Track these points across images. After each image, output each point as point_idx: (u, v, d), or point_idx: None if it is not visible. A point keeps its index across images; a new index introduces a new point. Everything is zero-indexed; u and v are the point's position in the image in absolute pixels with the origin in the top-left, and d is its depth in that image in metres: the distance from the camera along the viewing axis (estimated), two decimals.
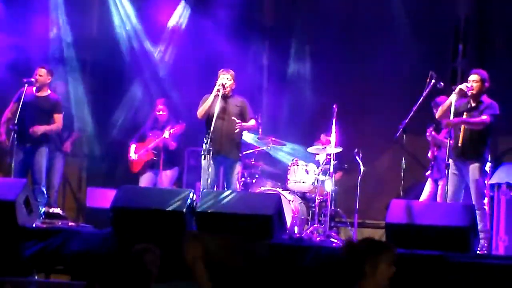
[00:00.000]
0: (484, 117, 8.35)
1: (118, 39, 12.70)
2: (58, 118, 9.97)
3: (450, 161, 8.21)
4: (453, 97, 8.32)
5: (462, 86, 8.39)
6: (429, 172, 9.83)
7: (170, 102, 11.28)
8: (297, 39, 12.62)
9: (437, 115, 8.63)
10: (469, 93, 8.36)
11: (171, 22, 12.73)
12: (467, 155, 8.36)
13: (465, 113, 8.37)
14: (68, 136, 10.83)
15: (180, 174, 11.30)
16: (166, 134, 10.49)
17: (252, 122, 9.45)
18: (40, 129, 9.72)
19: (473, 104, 8.47)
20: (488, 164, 8.60)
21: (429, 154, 9.96)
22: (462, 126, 8.30)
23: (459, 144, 8.26)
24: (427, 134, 9.79)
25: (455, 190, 8.32)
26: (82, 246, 7.88)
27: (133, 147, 10.83)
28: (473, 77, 8.50)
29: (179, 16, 12.77)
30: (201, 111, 9.26)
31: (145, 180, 10.70)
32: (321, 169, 10.36)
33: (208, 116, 9.19)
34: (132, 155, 10.80)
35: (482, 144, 8.44)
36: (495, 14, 11.56)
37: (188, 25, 12.75)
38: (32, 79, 9.79)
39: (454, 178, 8.31)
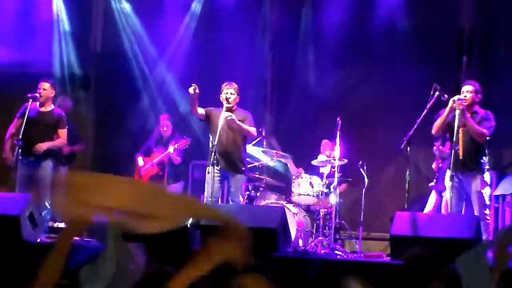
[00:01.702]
0: (484, 130, 8.37)
1: (124, 52, 12.75)
2: (62, 133, 9.98)
3: (452, 172, 8.22)
4: (445, 112, 8.38)
5: (455, 98, 8.40)
6: (433, 183, 9.82)
7: (176, 115, 11.30)
8: (301, 51, 12.63)
9: (433, 131, 8.65)
10: (462, 104, 8.35)
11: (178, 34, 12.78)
12: (468, 167, 8.36)
13: (461, 127, 8.35)
14: (72, 146, 10.80)
15: (185, 187, 11.31)
16: (171, 149, 10.52)
17: (252, 128, 9.36)
18: (44, 145, 9.72)
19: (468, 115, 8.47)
20: (487, 174, 8.60)
21: (434, 166, 9.96)
22: (461, 140, 8.28)
23: (460, 157, 8.24)
24: (434, 148, 9.80)
25: (457, 202, 8.32)
26: (87, 260, 7.87)
27: (140, 158, 10.86)
28: (467, 87, 8.53)
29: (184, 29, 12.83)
30: (197, 111, 9.26)
31: None
32: (326, 182, 10.35)
33: (212, 130, 9.18)
34: (140, 162, 10.83)
35: (481, 156, 8.46)
36: (498, 25, 11.57)
37: (194, 36, 12.81)
38: (36, 94, 9.79)
39: (455, 190, 8.30)
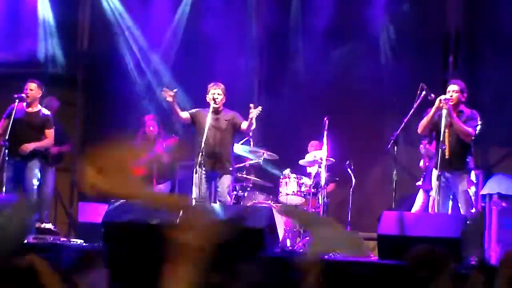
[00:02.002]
0: (469, 129, 8.40)
1: (114, 50, 12.73)
2: (49, 133, 9.95)
3: (438, 172, 8.24)
4: (431, 111, 8.41)
5: (441, 97, 8.42)
6: (420, 182, 9.84)
7: (162, 115, 11.25)
8: (290, 52, 12.64)
9: (419, 130, 8.67)
10: (448, 104, 8.38)
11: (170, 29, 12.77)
12: (454, 166, 8.38)
13: (447, 127, 8.37)
14: (60, 146, 10.76)
15: (172, 187, 11.28)
16: (159, 148, 10.48)
17: (244, 123, 9.34)
18: (30, 146, 9.70)
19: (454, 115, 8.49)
20: (473, 173, 8.63)
21: (421, 163, 9.98)
22: (447, 139, 8.31)
23: (446, 156, 8.26)
24: (421, 146, 9.82)
25: (444, 201, 8.35)
26: (74, 261, 7.85)
27: None
28: (452, 87, 8.56)
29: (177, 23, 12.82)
30: (184, 115, 9.25)
31: None
32: (313, 182, 10.36)
33: (199, 130, 9.17)
34: None
35: (468, 155, 8.51)
36: (484, 26, 11.61)
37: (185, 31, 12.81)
38: (23, 95, 9.76)
39: (442, 189, 8.32)
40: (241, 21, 12.77)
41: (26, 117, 9.82)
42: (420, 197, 9.92)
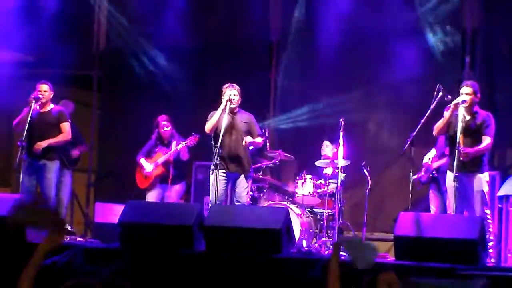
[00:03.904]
0: (488, 140, 8.40)
1: (129, 50, 12.75)
2: (65, 127, 9.90)
3: (454, 174, 8.20)
4: (447, 114, 8.39)
5: (457, 100, 8.39)
6: (416, 176, 9.70)
7: (176, 117, 11.24)
8: (303, 53, 12.59)
9: (434, 132, 8.65)
10: (463, 106, 8.35)
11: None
12: (470, 168, 8.35)
13: (461, 128, 8.34)
14: (76, 146, 10.78)
15: (188, 188, 11.28)
16: (179, 146, 10.44)
17: (259, 140, 9.42)
18: (43, 144, 9.67)
19: (467, 117, 8.45)
20: (487, 174, 8.59)
21: (430, 161, 9.89)
22: (461, 140, 8.28)
23: (461, 158, 8.23)
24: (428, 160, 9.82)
25: (460, 203, 8.30)
26: (90, 262, 7.89)
27: (144, 161, 10.71)
28: (466, 89, 8.49)
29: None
30: (209, 126, 9.25)
31: (153, 196, 10.65)
32: (329, 183, 10.35)
33: (216, 131, 9.19)
34: (148, 168, 10.67)
35: (483, 156, 8.48)
36: (502, 26, 11.54)
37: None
38: (40, 95, 9.77)
39: (458, 191, 8.26)
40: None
41: (41, 117, 9.82)
42: (432, 199, 9.89)
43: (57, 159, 9.85)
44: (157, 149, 10.74)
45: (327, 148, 10.93)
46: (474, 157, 8.35)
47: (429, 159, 9.89)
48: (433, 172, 9.82)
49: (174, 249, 7.74)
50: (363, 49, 12.07)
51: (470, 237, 7.33)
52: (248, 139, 9.25)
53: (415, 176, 9.52)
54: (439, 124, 8.51)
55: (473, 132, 8.44)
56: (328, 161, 10.51)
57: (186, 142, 10.40)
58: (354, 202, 11.16)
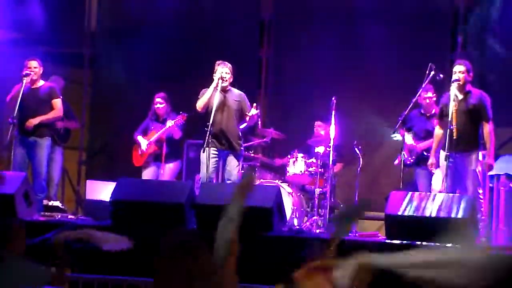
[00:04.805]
0: (489, 126, 8.49)
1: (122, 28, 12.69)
2: (56, 103, 9.86)
3: (445, 153, 8.22)
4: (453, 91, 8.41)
5: (454, 78, 8.42)
6: (396, 161, 9.63)
7: (169, 95, 11.20)
8: (296, 32, 12.56)
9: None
10: (456, 84, 8.37)
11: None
12: (462, 147, 8.37)
13: (455, 107, 8.34)
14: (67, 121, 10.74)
15: (180, 167, 11.26)
16: (169, 123, 10.39)
17: (253, 111, 9.31)
18: (34, 121, 9.65)
19: (460, 96, 8.46)
20: (480, 153, 8.60)
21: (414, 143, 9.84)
22: (455, 119, 8.28)
23: (454, 137, 8.24)
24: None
25: (452, 182, 8.32)
26: None
27: (141, 138, 10.67)
28: (458, 67, 8.50)
29: None
30: (200, 104, 9.22)
31: (148, 174, 10.65)
32: (321, 161, 10.35)
33: (207, 109, 9.17)
34: (143, 145, 10.62)
35: (476, 135, 8.48)
36: (494, 4, 11.52)
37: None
38: (30, 72, 9.72)
39: (450, 170, 8.29)
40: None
41: (32, 93, 9.78)
42: (421, 179, 9.82)
43: (48, 135, 9.82)
44: (152, 127, 10.73)
45: (319, 127, 10.93)
46: (469, 136, 8.39)
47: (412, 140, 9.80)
48: (423, 153, 9.79)
49: (166, 227, 7.74)
50: (357, 31, 12.06)
51: (461, 216, 7.36)
52: (253, 111, 9.19)
53: (396, 161, 9.48)
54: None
55: (468, 112, 8.44)
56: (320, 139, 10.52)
57: (175, 121, 10.38)
58: (346, 181, 11.17)
